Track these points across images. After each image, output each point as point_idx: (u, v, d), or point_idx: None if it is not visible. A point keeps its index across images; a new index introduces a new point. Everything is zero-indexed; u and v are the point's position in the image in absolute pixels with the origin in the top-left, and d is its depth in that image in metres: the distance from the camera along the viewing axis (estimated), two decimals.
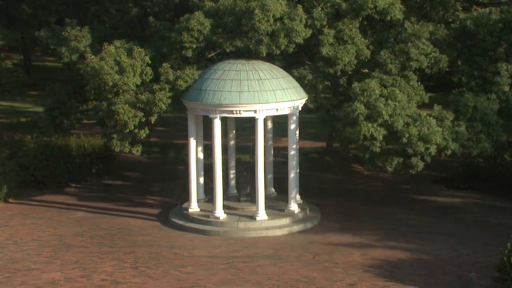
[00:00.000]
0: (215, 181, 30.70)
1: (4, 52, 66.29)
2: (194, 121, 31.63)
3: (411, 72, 32.27)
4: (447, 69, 33.26)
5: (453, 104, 31.83)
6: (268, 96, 30.03)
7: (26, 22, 56.73)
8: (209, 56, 34.85)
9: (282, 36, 31.15)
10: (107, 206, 34.48)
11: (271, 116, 32.34)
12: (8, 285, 25.04)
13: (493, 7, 35.13)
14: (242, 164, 36.46)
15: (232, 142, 34.33)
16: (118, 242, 29.40)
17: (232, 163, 34.39)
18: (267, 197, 32.52)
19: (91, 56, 32.26)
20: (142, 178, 39.82)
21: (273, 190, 34.38)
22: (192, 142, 31.64)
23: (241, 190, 33.16)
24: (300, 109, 31.59)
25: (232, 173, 34.41)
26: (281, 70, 31.86)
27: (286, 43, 31.39)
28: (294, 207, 31.82)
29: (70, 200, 35.32)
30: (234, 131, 34.46)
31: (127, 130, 31.08)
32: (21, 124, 43.30)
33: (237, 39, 31.58)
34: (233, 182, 34.47)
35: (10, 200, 35.00)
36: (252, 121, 30.95)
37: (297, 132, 31.69)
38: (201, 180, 33.29)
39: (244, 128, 41.07)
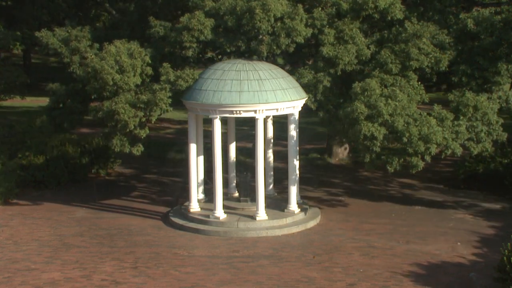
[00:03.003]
0: (215, 181, 30.69)
1: (4, 52, 66.31)
2: (194, 121, 31.62)
3: (411, 72, 32.27)
4: (447, 69, 33.27)
5: (453, 103, 31.84)
6: (268, 96, 30.02)
7: (26, 22, 56.75)
8: (209, 56, 34.84)
9: (283, 35, 31.18)
10: (107, 206, 34.49)
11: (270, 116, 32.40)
12: (8, 285, 25.04)
13: (493, 7, 35.12)
14: (242, 164, 36.49)
15: (232, 142, 34.30)
16: (118, 242, 29.40)
17: (232, 163, 34.34)
18: (267, 197, 32.53)
19: (91, 56, 32.25)
20: (142, 177, 39.84)
21: (273, 190, 34.38)
22: (192, 142, 31.63)
23: (241, 190, 33.15)
24: (300, 109, 31.58)
25: (232, 173, 34.38)
26: (281, 70, 31.86)
27: (287, 43, 31.43)
28: (294, 207, 31.82)
29: (70, 200, 35.31)
30: (234, 131, 34.46)
31: (127, 130, 31.06)
32: (21, 124, 43.30)
33: (238, 40, 31.60)
34: (233, 182, 34.44)
35: (10, 200, 34.98)
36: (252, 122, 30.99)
37: (297, 132, 31.67)
38: (201, 180, 33.29)
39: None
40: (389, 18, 32.52)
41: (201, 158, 32.90)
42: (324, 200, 35.24)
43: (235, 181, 34.37)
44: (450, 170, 39.71)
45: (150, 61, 31.81)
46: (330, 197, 35.81)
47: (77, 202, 34.94)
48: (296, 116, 31.42)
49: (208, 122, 31.79)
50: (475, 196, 35.87)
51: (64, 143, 38.51)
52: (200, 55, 33.86)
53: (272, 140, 34.18)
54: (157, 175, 40.15)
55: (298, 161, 32.05)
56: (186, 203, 32.88)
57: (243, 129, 43.86)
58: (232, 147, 34.32)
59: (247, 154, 40.44)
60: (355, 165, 41.32)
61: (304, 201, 33.51)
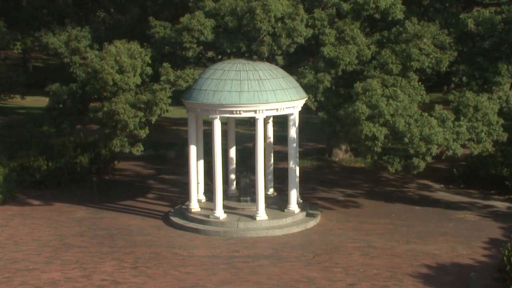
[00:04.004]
0: (215, 181, 30.69)
1: (4, 52, 66.36)
2: (194, 121, 31.62)
3: (412, 72, 32.29)
4: (448, 69, 33.27)
5: (454, 104, 31.84)
6: (268, 96, 30.02)
7: (26, 22, 56.78)
8: (209, 56, 34.84)
9: (283, 36, 31.19)
10: (107, 206, 34.48)
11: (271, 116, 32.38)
12: (8, 285, 25.03)
13: (493, 7, 35.14)
14: (242, 164, 36.48)
15: (232, 142, 34.28)
16: (118, 242, 29.39)
17: (232, 163, 34.33)
18: (267, 197, 32.52)
19: (91, 56, 32.22)
20: (142, 177, 39.83)
21: (273, 190, 34.37)
22: (192, 142, 31.63)
23: (241, 190, 33.13)
24: (300, 109, 31.58)
25: (232, 173, 34.38)
26: (281, 70, 31.86)
27: (288, 43, 31.44)
28: (294, 207, 31.81)
29: (70, 200, 35.30)
30: (234, 131, 34.45)
31: (128, 130, 31.04)
32: (21, 124, 43.32)
33: (238, 40, 31.59)
34: (233, 182, 34.43)
35: (10, 200, 34.97)
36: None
37: (297, 132, 31.66)
38: (201, 180, 33.27)
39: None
40: (390, 18, 32.52)
41: (201, 158, 32.89)
42: (323, 200, 35.23)
43: (235, 181, 34.37)
44: (450, 170, 39.65)
45: (150, 61, 31.79)
46: (329, 197, 35.79)
47: (77, 202, 34.92)
48: (296, 116, 31.40)
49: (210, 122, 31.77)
50: (475, 196, 35.88)
51: (64, 143, 38.49)
52: (200, 55, 33.85)
53: (272, 140, 34.15)
54: (157, 175, 40.17)
55: (298, 161, 32.04)
56: (186, 203, 32.88)
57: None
58: (232, 147, 34.30)
59: (247, 154, 40.44)
60: (355, 165, 41.37)
61: (304, 201, 33.52)
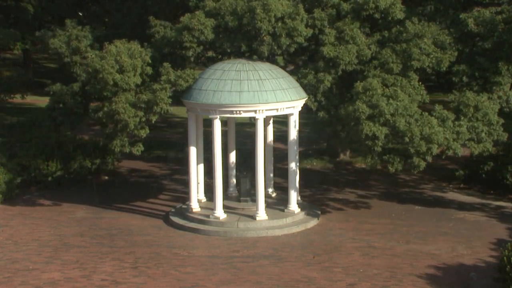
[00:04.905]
0: (215, 181, 30.69)
1: (4, 52, 66.34)
2: (194, 121, 31.61)
3: (412, 72, 32.28)
4: (448, 69, 33.25)
5: (454, 103, 31.83)
6: (268, 96, 30.02)
7: (26, 22, 56.79)
8: (210, 55, 34.83)
9: (283, 35, 31.19)
10: (107, 206, 34.48)
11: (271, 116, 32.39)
12: (8, 285, 25.04)
13: (493, 7, 35.14)
14: (242, 164, 36.46)
15: (232, 143, 34.28)
16: (118, 242, 29.39)
17: (233, 164, 34.32)
18: (267, 197, 32.51)
19: (92, 56, 32.22)
20: (142, 177, 39.82)
21: (273, 190, 34.37)
22: (192, 142, 31.63)
23: (241, 190, 33.13)
24: (300, 109, 31.57)
25: (232, 173, 34.38)
26: (281, 70, 31.86)
27: (288, 43, 31.44)
28: (294, 207, 31.80)
29: (70, 200, 35.30)
30: (234, 131, 34.45)
31: (128, 129, 31.02)
32: (21, 124, 43.30)
33: (238, 40, 31.59)
34: (233, 182, 34.44)
35: (10, 200, 34.97)
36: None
37: (297, 132, 31.65)
38: (201, 180, 33.27)
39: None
40: (390, 18, 32.52)
41: (201, 158, 32.89)
42: (323, 200, 35.23)
43: (235, 181, 34.36)
44: (450, 170, 39.63)
45: (150, 61, 31.79)
46: (329, 197, 35.79)
47: (77, 202, 34.92)
48: (297, 116, 31.40)
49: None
50: (475, 196, 35.85)
51: (64, 143, 38.47)
52: (201, 55, 33.85)
53: (272, 140, 34.14)
54: (157, 175, 40.18)
55: (298, 161, 32.03)
56: (186, 203, 32.88)
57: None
58: (232, 148, 34.29)
59: (247, 154, 40.46)
60: (355, 165, 41.35)
61: (304, 201, 33.52)
